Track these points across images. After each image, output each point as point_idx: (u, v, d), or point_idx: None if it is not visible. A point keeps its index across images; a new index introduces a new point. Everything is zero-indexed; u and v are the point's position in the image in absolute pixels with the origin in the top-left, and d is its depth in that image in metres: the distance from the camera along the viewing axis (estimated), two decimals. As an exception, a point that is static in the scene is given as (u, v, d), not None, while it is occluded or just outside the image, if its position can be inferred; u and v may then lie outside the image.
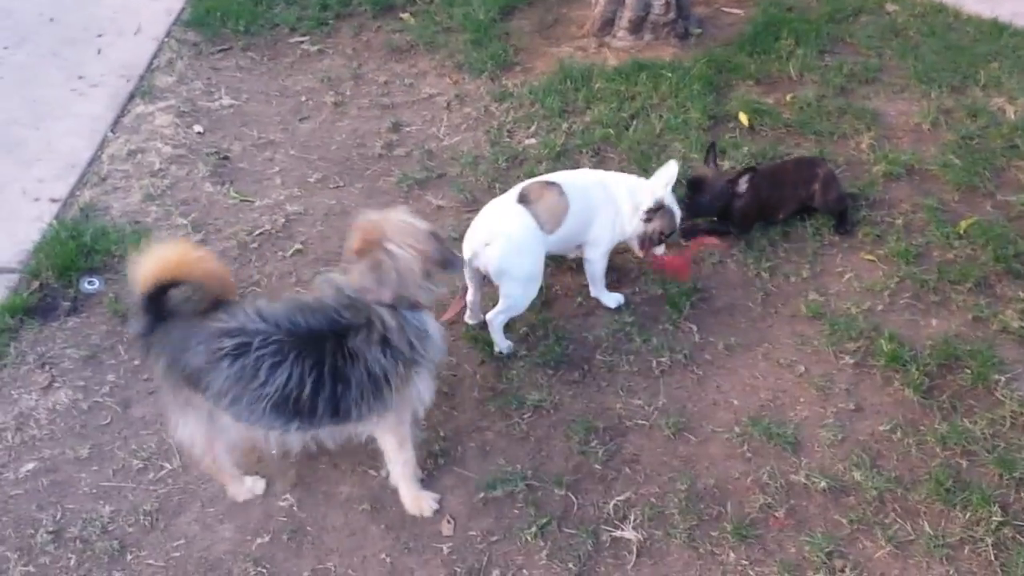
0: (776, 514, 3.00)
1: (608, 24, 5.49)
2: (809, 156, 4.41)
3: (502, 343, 3.53)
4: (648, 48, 5.37)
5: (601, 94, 4.93)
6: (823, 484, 3.07)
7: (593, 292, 3.75)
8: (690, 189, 4.00)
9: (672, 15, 5.40)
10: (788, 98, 4.91)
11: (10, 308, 3.62)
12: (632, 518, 2.99)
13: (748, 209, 4.01)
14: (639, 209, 3.58)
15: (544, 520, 2.96)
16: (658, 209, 3.57)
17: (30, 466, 3.14)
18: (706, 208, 4.03)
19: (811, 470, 3.12)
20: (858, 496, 3.06)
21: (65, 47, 5.29)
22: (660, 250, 3.75)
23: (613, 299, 3.75)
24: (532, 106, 4.87)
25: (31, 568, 2.84)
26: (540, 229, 3.39)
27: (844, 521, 2.98)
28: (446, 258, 2.76)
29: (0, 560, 2.86)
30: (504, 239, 3.31)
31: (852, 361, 3.52)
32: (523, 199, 3.41)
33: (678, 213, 3.69)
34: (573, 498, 3.05)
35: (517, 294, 3.41)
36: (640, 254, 3.75)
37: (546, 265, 3.53)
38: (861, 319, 3.67)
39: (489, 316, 3.46)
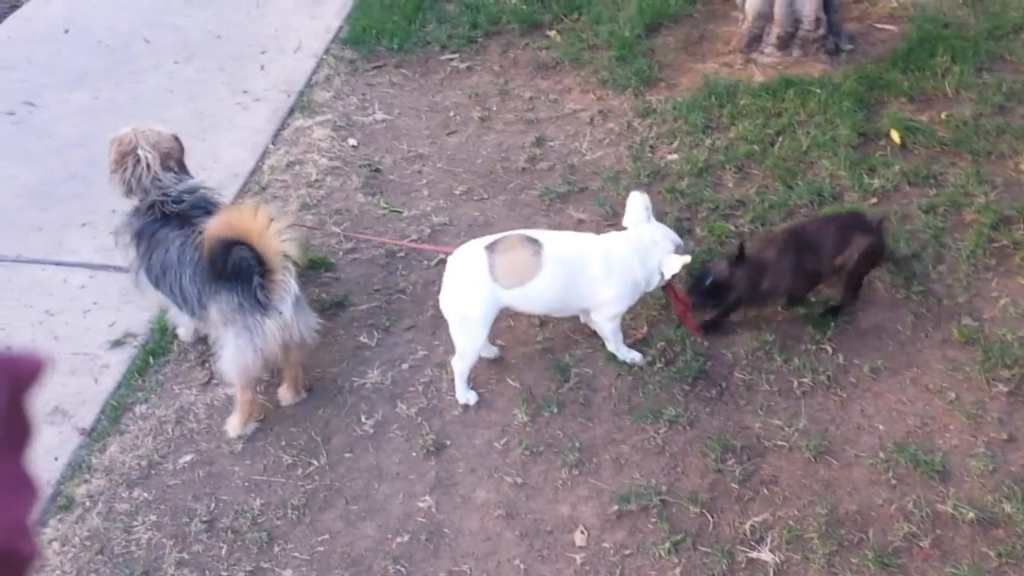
0: (921, 544, 2.91)
1: (755, 40, 5.43)
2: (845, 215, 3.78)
3: (460, 394, 3.45)
4: (796, 64, 5.28)
5: (746, 110, 4.89)
6: (971, 515, 2.95)
7: (610, 348, 3.57)
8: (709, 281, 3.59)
9: (822, 31, 5.29)
10: (943, 116, 4.74)
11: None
12: (769, 540, 2.95)
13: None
14: (655, 264, 3.36)
15: (679, 537, 2.95)
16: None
17: (188, 458, 3.35)
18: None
19: (959, 500, 3.01)
20: (1008, 529, 2.93)
21: (231, 63, 5.61)
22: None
23: (630, 356, 3.54)
24: (675, 122, 4.87)
25: (185, 555, 3.03)
26: (493, 280, 3.22)
27: (992, 554, 2.86)
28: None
29: (157, 546, 3.06)
30: (451, 277, 3.28)
31: (1006, 389, 3.37)
32: (491, 246, 3.26)
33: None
34: (708, 516, 3.03)
35: (458, 337, 3.32)
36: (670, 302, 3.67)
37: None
38: (1017, 346, 3.51)
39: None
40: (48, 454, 3.33)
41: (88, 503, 3.17)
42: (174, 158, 3.46)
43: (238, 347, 3.19)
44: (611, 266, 3.30)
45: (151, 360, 3.66)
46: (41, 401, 3.50)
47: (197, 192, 3.40)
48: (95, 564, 3.00)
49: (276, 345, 3.22)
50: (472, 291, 3.24)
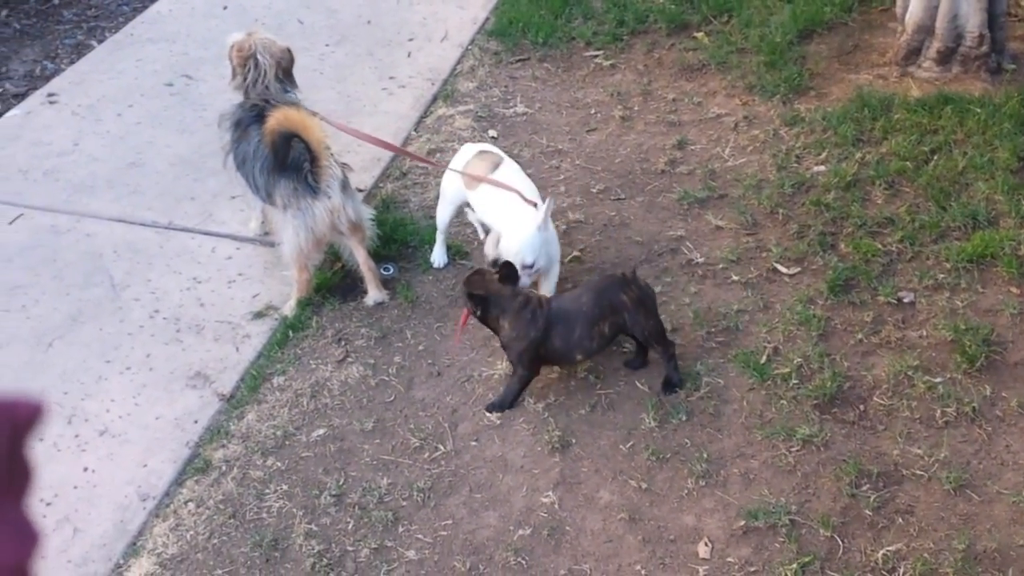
0: (1068, 594, 2.76)
1: (913, 54, 5.22)
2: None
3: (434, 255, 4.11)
4: (955, 81, 5.06)
5: (900, 125, 4.71)
6: None
7: None
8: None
9: (985, 48, 5.06)
10: (1114, 144, 4.47)
11: (315, 285, 3.96)
12: (901, 571, 2.84)
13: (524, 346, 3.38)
14: None
15: (807, 559, 2.87)
16: None
17: (320, 432, 3.43)
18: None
19: (1113, 552, 2.84)
20: None
21: (379, 48, 5.72)
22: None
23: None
24: (824, 132, 4.73)
25: (313, 526, 3.10)
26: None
27: None
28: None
29: (287, 515, 3.14)
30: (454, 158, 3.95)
31: None
32: (480, 151, 3.88)
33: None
34: (839, 541, 2.94)
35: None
36: None
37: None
38: None
39: None
40: (188, 416, 3.47)
41: (224, 467, 3.28)
42: (283, 67, 3.91)
43: (295, 228, 3.66)
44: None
45: (290, 334, 3.76)
46: (185, 364, 3.65)
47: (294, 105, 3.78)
48: (227, 528, 3.10)
49: (326, 227, 3.69)
50: (450, 173, 3.87)
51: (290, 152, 3.56)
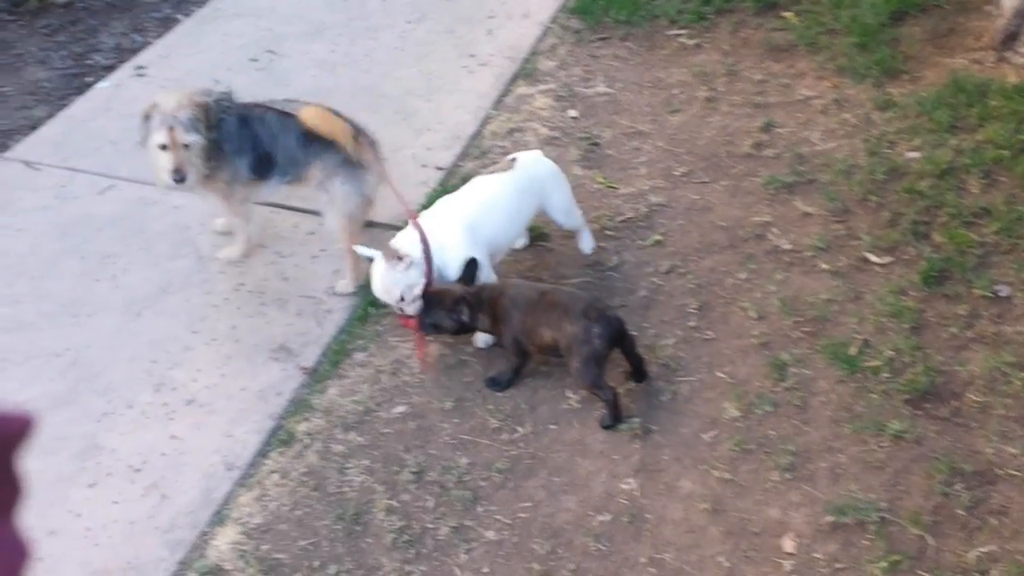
0: None
1: (1011, 38, 5.02)
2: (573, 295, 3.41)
3: None
4: (1057, 66, 4.87)
5: (997, 112, 4.54)
6: None
7: None
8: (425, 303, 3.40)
9: (1089, 33, 4.85)
10: None
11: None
12: (994, 573, 2.76)
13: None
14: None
15: (896, 558, 2.80)
16: None
17: (400, 409, 3.44)
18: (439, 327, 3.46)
19: None
20: None
21: (459, 26, 5.69)
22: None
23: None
24: (918, 118, 4.58)
25: (394, 502, 3.12)
26: None
27: None
28: None
29: (369, 490, 3.16)
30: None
31: None
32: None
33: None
34: (930, 540, 2.86)
35: None
36: None
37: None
38: None
39: None
40: (272, 389, 3.51)
41: (307, 440, 3.32)
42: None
43: (345, 194, 3.69)
44: None
45: (371, 310, 3.78)
46: (268, 337, 3.69)
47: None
48: (310, 500, 3.13)
49: (374, 195, 3.78)
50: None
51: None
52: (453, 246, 3.47)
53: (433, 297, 3.40)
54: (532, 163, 3.73)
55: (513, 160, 3.71)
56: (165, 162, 3.54)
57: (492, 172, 3.72)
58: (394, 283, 3.38)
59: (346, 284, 3.88)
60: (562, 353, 3.30)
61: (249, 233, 4.03)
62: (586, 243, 3.96)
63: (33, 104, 5.18)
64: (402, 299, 3.39)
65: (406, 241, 3.45)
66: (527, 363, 3.47)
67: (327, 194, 3.73)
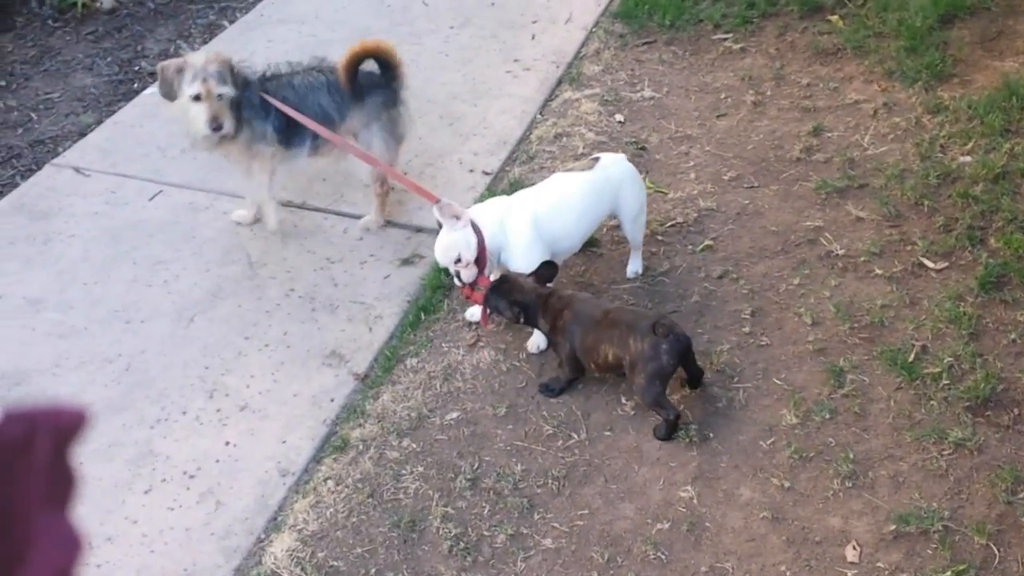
0: None
1: (1064, 38, 4.96)
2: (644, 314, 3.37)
3: None
4: (1112, 67, 4.79)
5: (1051, 115, 4.48)
6: None
7: None
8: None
9: None
10: None
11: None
12: (1063, 586, 2.71)
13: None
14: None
15: (961, 567, 2.76)
16: None
17: (454, 415, 3.44)
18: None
19: None
20: None
21: (503, 30, 5.69)
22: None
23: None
24: (970, 121, 4.52)
25: (450, 509, 3.11)
26: None
27: None
28: None
29: (424, 497, 3.15)
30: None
31: None
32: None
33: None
34: (995, 549, 2.81)
35: None
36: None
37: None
38: None
39: None
40: (325, 395, 3.51)
41: (361, 447, 3.32)
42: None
43: (382, 139, 3.99)
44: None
45: (422, 316, 3.78)
46: (320, 343, 3.70)
47: None
48: (366, 507, 3.13)
49: (407, 132, 4.11)
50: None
51: (358, 77, 3.88)
52: (516, 232, 3.48)
53: (506, 283, 3.41)
54: (613, 164, 3.70)
55: (595, 159, 3.70)
56: (200, 112, 3.71)
57: (571, 170, 3.72)
58: (453, 243, 3.40)
59: (371, 220, 4.17)
60: (625, 371, 3.28)
61: (276, 205, 4.15)
62: (633, 266, 3.93)
63: (81, 110, 5.25)
64: (459, 260, 3.41)
65: (472, 213, 3.49)
66: (581, 377, 3.46)
67: (364, 144, 3.96)
